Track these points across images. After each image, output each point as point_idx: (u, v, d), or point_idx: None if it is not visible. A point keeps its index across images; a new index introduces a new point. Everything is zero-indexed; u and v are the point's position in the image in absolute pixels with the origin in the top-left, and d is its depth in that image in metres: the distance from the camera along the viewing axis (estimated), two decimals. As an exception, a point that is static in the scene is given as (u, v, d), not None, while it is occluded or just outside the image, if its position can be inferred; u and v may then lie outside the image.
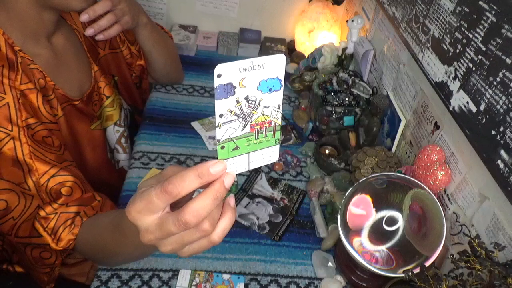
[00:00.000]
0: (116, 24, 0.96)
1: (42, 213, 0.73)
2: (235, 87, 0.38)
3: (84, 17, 0.88)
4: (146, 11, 1.06)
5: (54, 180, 0.74)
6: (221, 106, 0.39)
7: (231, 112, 0.40)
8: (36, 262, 0.79)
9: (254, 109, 0.41)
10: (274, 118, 0.43)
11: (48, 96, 0.84)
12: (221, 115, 0.39)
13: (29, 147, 0.73)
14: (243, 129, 0.42)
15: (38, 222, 0.73)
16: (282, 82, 0.41)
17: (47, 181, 0.74)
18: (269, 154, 0.46)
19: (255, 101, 0.40)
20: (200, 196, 0.40)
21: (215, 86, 0.37)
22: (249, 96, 0.40)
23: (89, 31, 0.92)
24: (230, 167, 0.43)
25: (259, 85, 0.39)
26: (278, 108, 0.42)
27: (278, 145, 0.46)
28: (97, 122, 1.01)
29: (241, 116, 0.40)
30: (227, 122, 0.40)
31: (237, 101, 0.39)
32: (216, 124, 0.40)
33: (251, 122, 0.42)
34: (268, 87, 0.40)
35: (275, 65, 0.39)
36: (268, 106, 0.42)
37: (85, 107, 0.95)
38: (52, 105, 0.84)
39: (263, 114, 0.42)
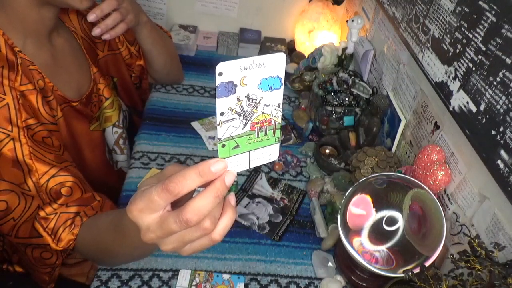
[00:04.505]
0: (121, 23, 0.95)
1: (42, 213, 0.73)
2: (236, 86, 0.38)
3: (92, 17, 0.88)
4: (146, 11, 1.07)
5: (54, 180, 0.74)
6: (222, 104, 0.39)
7: (232, 110, 0.40)
8: (37, 262, 0.79)
9: (255, 108, 0.41)
10: (274, 116, 0.43)
11: (47, 97, 0.84)
12: (222, 114, 0.39)
13: (29, 147, 0.73)
14: (243, 128, 0.42)
15: (38, 223, 0.73)
16: (283, 81, 0.41)
17: (47, 181, 0.74)
18: (269, 153, 0.46)
19: (256, 100, 0.40)
20: (201, 195, 0.40)
21: (216, 85, 0.37)
22: (250, 95, 0.40)
23: (96, 31, 0.92)
24: (231, 165, 0.43)
25: (260, 83, 0.40)
26: (279, 106, 0.43)
27: (278, 144, 0.46)
28: (96, 123, 1.01)
29: (241, 114, 0.41)
30: (228, 120, 0.40)
31: (238, 100, 0.39)
32: (217, 123, 0.40)
33: (251, 121, 0.42)
34: (268, 85, 0.40)
35: (276, 63, 0.39)
36: (269, 105, 0.42)
37: (84, 109, 0.95)
38: (51, 106, 0.84)
39: (263, 113, 0.42)
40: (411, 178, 0.80)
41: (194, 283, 0.81)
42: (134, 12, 0.98)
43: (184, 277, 0.82)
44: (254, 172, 1.07)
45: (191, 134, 1.16)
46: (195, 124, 1.19)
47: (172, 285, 0.80)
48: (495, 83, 0.66)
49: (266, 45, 1.58)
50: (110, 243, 0.65)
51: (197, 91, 1.32)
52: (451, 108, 0.78)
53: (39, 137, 0.77)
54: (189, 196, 0.44)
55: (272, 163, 1.10)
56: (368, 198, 0.81)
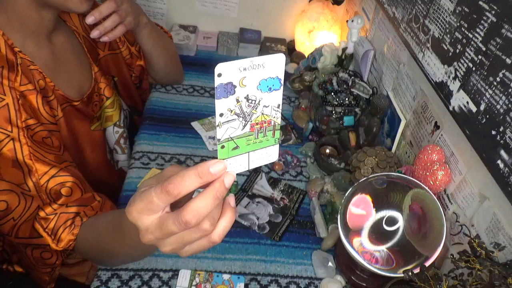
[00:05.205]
0: (120, 25, 0.95)
1: (42, 213, 0.73)
2: (235, 87, 0.38)
3: (90, 19, 0.88)
4: (146, 11, 1.07)
5: (54, 180, 0.74)
6: (222, 105, 0.39)
7: (231, 111, 0.40)
8: (37, 262, 0.79)
9: (254, 109, 0.41)
10: (274, 117, 0.43)
11: (48, 97, 0.84)
12: (221, 115, 0.39)
13: (29, 148, 0.73)
14: (243, 129, 0.42)
15: (38, 223, 0.73)
16: (282, 82, 0.41)
17: (47, 181, 0.74)
18: (268, 154, 0.46)
19: (255, 101, 0.40)
20: (200, 196, 0.40)
21: (215, 86, 0.37)
22: (249, 96, 0.40)
23: (95, 33, 0.92)
24: (230, 166, 0.43)
25: (259, 84, 0.39)
26: (278, 107, 0.43)
27: (278, 145, 0.46)
28: (97, 123, 1.01)
29: (241, 115, 0.40)
30: (227, 121, 0.40)
31: (237, 101, 0.39)
32: (216, 124, 0.40)
33: (251, 122, 0.42)
34: (268, 86, 0.40)
35: (275, 64, 0.39)
36: (268, 106, 0.42)
37: (85, 108, 0.95)
38: (52, 106, 0.84)
39: (263, 114, 0.42)
40: (411, 178, 0.80)
41: (194, 283, 0.81)
42: (133, 14, 0.98)
43: (184, 277, 0.82)
44: (254, 172, 1.07)
45: (191, 134, 1.16)
46: (195, 124, 1.19)
47: (172, 285, 0.80)
48: (495, 83, 0.66)
49: (266, 45, 1.58)
50: (110, 244, 0.65)
51: (197, 91, 1.32)
52: (451, 108, 0.78)
53: (39, 137, 0.77)
54: (188, 197, 0.44)
55: (272, 163, 1.10)
56: (368, 198, 0.81)
